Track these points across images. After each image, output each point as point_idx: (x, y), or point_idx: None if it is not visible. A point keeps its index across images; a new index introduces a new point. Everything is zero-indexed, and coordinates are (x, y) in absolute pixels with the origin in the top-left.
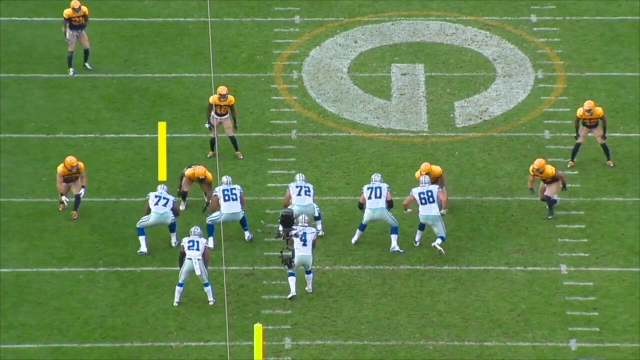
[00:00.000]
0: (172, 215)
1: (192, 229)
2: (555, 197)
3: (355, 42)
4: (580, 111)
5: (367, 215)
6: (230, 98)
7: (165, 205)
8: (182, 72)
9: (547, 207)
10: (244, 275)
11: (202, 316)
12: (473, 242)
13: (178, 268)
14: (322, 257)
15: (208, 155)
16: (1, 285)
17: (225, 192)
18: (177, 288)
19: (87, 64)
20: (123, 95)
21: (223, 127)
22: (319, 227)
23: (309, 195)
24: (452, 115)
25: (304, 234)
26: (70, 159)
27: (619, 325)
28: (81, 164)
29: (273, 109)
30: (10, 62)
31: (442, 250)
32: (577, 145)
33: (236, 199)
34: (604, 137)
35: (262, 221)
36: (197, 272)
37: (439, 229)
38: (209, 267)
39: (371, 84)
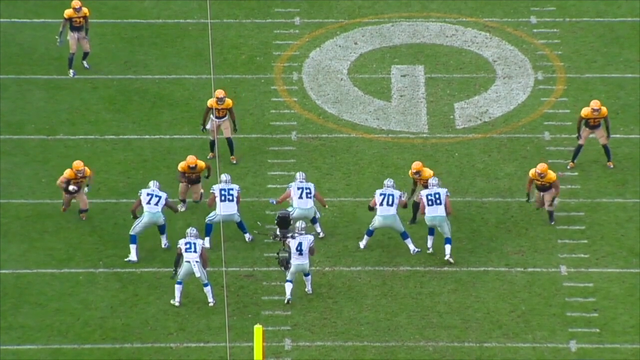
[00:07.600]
0: (163, 215)
1: (188, 230)
2: (552, 206)
3: (355, 43)
4: (586, 110)
5: (377, 222)
6: (228, 101)
7: (157, 203)
8: (182, 73)
9: (548, 215)
10: (244, 276)
11: (202, 317)
12: (473, 244)
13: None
14: (322, 259)
15: (208, 157)
16: (1, 287)
17: (223, 192)
18: (177, 286)
19: (84, 62)
20: (123, 97)
21: (222, 129)
22: (318, 229)
23: (310, 197)
24: (452, 117)
25: (300, 243)
26: (77, 163)
27: (619, 326)
28: (87, 170)
29: (273, 111)
30: (11, 64)
31: (452, 260)
32: (579, 147)
33: (232, 200)
34: (608, 137)
35: (258, 223)
36: (197, 274)
37: (446, 230)
38: (207, 268)
39: (371, 85)
